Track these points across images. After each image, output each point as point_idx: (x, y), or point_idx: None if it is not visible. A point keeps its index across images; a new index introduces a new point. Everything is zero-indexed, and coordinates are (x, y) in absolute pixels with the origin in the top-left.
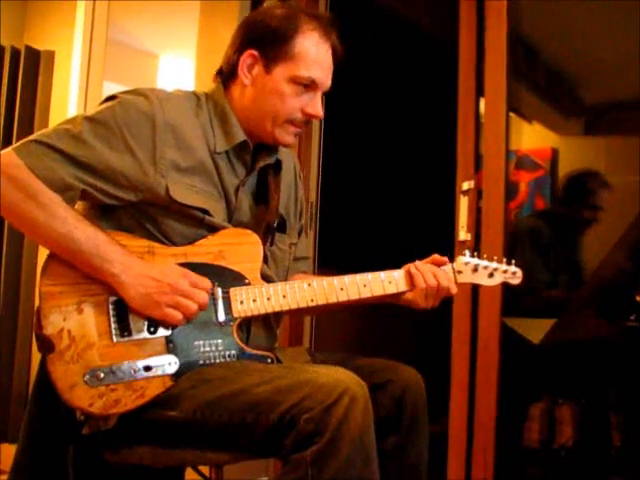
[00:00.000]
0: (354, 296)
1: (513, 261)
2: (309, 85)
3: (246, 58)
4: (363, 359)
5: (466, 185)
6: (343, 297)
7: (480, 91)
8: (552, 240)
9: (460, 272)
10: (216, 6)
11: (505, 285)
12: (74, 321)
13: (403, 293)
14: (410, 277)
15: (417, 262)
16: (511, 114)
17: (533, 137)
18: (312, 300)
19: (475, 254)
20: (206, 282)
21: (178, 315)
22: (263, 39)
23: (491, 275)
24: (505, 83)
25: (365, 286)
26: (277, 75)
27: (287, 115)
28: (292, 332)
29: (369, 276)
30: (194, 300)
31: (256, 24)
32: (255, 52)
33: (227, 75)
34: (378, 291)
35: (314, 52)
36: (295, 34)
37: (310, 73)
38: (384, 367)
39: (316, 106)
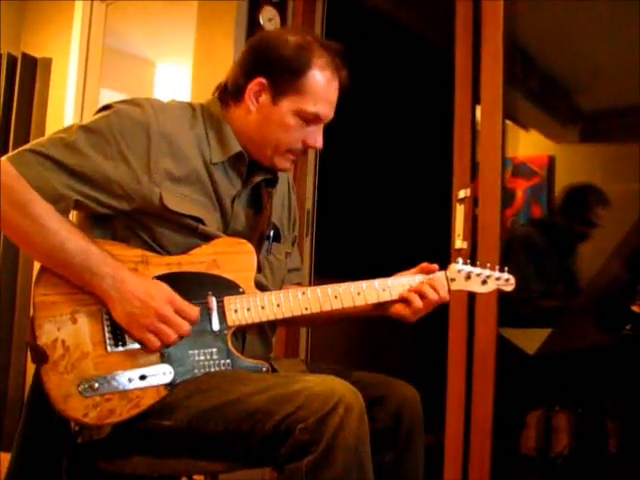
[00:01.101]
0: (348, 304)
1: (506, 268)
2: (314, 119)
3: (254, 85)
4: (358, 373)
5: (462, 193)
6: (337, 305)
7: (476, 98)
8: (547, 249)
9: (453, 280)
10: (213, 13)
11: (499, 292)
12: (68, 331)
13: (396, 302)
14: (407, 301)
15: (408, 277)
16: (507, 122)
17: (530, 144)
18: (306, 309)
19: (468, 261)
20: (193, 310)
21: (156, 342)
22: (274, 69)
23: (484, 282)
24: (501, 91)
25: (359, 294)
26: (283, 107)
27: (288, 145)
28: (288, 345)
29: (363, 284)
30: (175, 329)
31: (269, 50)
32: (264, 81)
33: (231, 94)
34: (372, 299)
35: (323, 89)
36: (307, 68)
37: (317, 109)
38: (380, 382)
39: (317, 139)
